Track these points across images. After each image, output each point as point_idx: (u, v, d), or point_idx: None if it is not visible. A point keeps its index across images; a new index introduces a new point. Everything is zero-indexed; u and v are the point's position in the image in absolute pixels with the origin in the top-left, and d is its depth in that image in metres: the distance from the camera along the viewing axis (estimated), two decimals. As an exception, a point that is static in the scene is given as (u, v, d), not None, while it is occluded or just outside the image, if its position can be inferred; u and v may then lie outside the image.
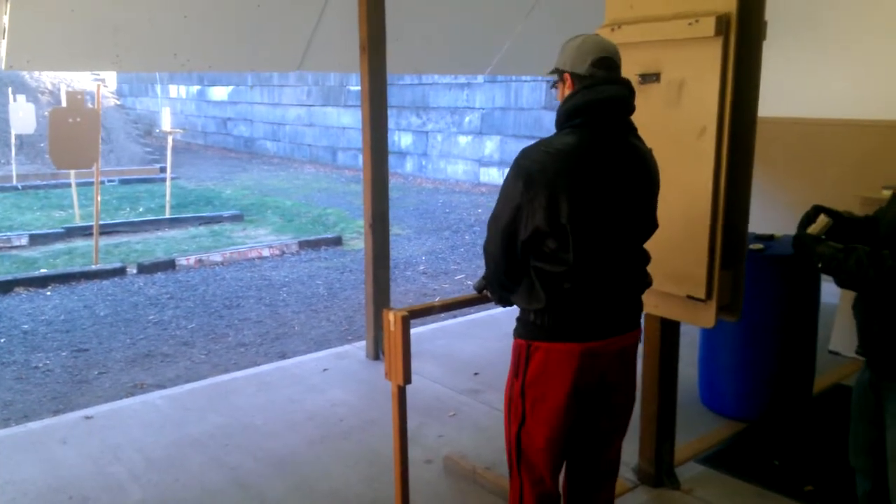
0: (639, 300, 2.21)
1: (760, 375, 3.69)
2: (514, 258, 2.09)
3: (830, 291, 3.73)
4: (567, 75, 2.10)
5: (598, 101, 2.03)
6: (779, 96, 4.31)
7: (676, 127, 2.58)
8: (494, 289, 2.22)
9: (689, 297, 2.62)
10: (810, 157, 4.94)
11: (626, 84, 2.10)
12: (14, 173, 13.29)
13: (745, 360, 3.70)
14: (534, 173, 1.98)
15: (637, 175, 2.09)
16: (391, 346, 2.53)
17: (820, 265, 2.06)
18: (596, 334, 2.08)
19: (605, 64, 2.07)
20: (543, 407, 2.11)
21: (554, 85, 2.18)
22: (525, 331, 2.13)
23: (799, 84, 4.78)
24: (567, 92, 2.10)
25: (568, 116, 2.06)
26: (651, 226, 2.19)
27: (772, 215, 3.97)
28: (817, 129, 4.89)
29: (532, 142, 2.09)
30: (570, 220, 1.96)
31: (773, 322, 3.65)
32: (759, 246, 3.67)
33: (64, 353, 5.28)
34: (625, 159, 2.06)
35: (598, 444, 2.26)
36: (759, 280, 3.48)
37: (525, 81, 12.53)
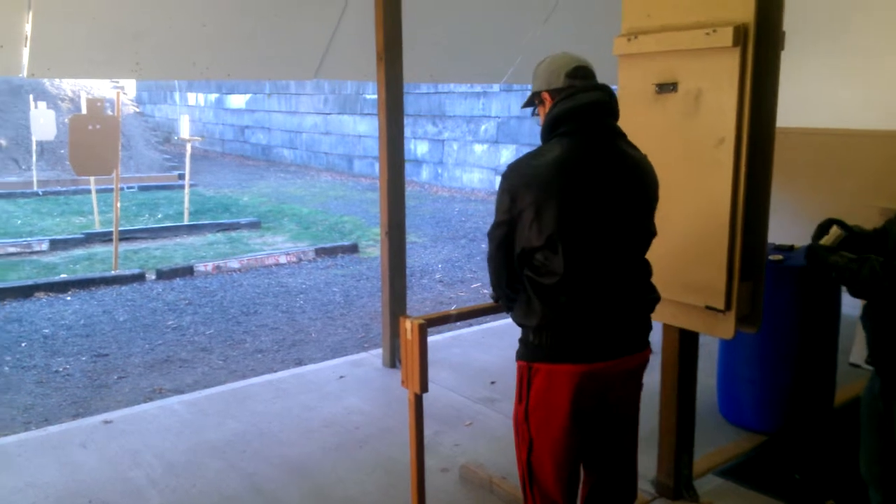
0: (646, 318, 2.15)
1: (780, 387, 3.66)
2: (512, 270, 2.10)
3: (851, 303, 3.68)
4: (545, 94, 2.13)
5: (578, 107, 2.03)
6: (798, 106, 4.28)
7: (694, 137, 2.58)
8: (501, 298, 2.22)
9: (708, 307, 2.61)
10: (830, 168, 4.90)
11: (605, 88, 2.09)
12: (35, 179, 13.47)
13: (764, 372, 3.67)
14: (520, 188, 1.99)
15: (628, 181, 2.05)
16: (408, 354, 2.53)
17: (834, 275, 2.05)
18: (599, 355, 2.03)
19: (580, 73, 2.09)
20: (548, 431, 2.08)
21: (535, 112, 2.19)
22: (526, 352, 2.10)
23: (818, 94, 4.75)
24: (547, 109, 2.12)
25: (551, 127, 2.07)
26: (647, 234, 2.13)
27: (791, 226, 3.94)
28: (836, 140, 4.85)
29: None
30: (559, 230, 1.95)
31: (793, 333, 3.62)
32: (779, 257, 3.64)
33: (84, 358, 5.34)
34: (613, 166, 2.03)
35: (609, 464, 2.22)
36: (779, 291, 3.46)
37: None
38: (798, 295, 3.62)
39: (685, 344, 2.97)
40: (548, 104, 2.12)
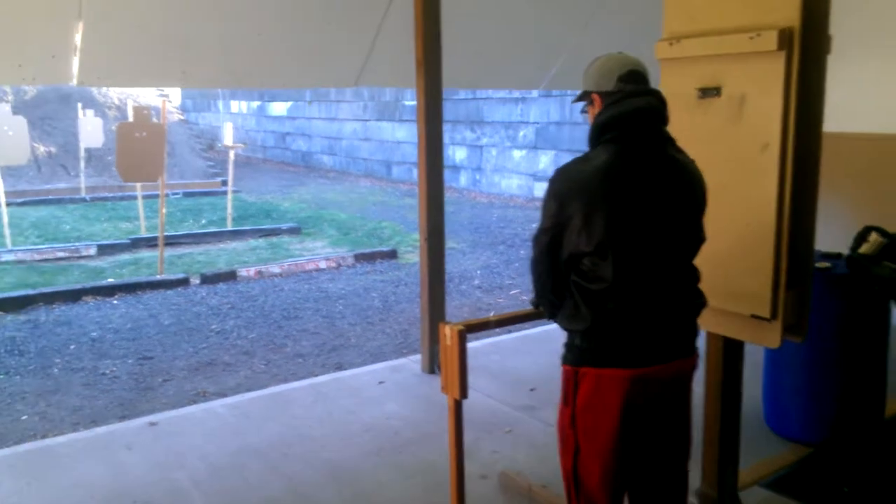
0: (693, 323, 2.13)
1: (828, 397, 3.57)
2: (559, 275, 2.08)
3: (901, 311, 3.59)
4: (595, 95, 2.10)
5: (628, 113, 2.01)
6: (845, 111, 4.18)
7: (738, 142, 2.54)
8: (544, 305, 2.19)
9: (754, 315, 2.56)
10: (879, 174, 4.78)
11: (657, 94, 2.07)
12: (83, 185, 13.83)
13: (811, 382, 3.60)
14: (568, 193, 1.98)
15: (677, 187, 2.04)
16: (448, 360, 2.54)
17: (877, 287, 1.99)
18: (647, 359, 2.01)
19: (633, 77, 2.06)
20: (596, 437, 2.05)
21: (584, 110, 2.17)
22: (572, 356, 2.09)
23: (866, 98, 4.64)
24: (597, 111, 2.09)
25: (599, 132, 2.05)
26: (697, 239, 2.12)
27: (840, 233, 3.86)
28: (886, 145, 4.73)
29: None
30: (609, 237, 1.94)
31: (841, 342, 3.54)
32: (826, 264, 3.56)
33: (130, 361, 5.46)
34: (663, 171, 2.02)
35: (659, 474, 2.19)
36: (826, 299, 3.38)
37: (581, 95, 12.44)
38: (845, 303, 3.53)
39: (729, 353, 2.92)
40: (597, 106, 2.10)
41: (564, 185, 2.00)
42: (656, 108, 2.05)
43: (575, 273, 2.04)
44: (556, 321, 2.19)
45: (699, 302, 2.14)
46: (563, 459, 2.17)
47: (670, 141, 2.09)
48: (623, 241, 1.96)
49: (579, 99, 2.18)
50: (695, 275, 2.14)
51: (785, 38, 2.35)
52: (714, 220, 2.20)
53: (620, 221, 1.95)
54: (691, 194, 2.08)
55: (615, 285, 1.97)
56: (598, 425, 2.04)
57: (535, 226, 2.15)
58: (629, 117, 2.01)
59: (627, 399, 2.01)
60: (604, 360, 2.02)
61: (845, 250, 3.77)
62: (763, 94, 2.45)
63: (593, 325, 2.00)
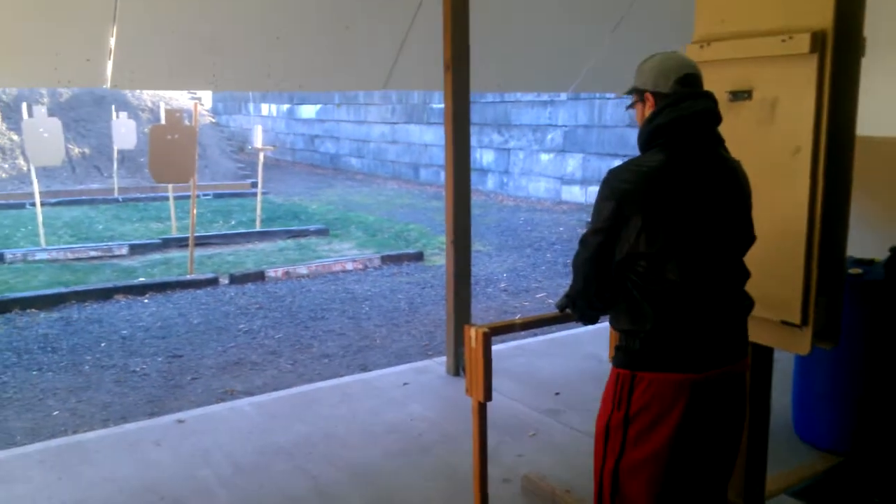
0: (745, 325, 2.12)
1: (859, 406, 3.51)
2: (607, 278, 2.05)
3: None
4: (649, 94, 2.07)
5: (685, 117, 2.00)
6: (880, 114, 4.11)
7: (769, 146, 2.50)
8: (580, 306, 2.15)
9: (784, 322, 2.52)
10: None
11: (711, 97, 2.06)
12: (116, 186, 14.07)
13: (842, 390, 3.53)
14: (626, 194, 1.96)
15: (730, 188, 2.05)
16: (472, 363, 2.54)
17: None
18: (706, 364, 1.99)
19: (689, 81, 2.05)
20: (649, 442, 2.01)
21: (632, 105, 2.15)
22: (628, 360, 2.04)
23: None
24: (648, 111, 2.07)
25: (654, 135, 2.03)
26: (749, 238, 2.13)
27: (873, 239, 3.78)
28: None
29: (616, 160, 2.08)
30: (672, 239, 1.93)
31: (873, 350, 3.47)
32: (858, 271, 3.50)
33: (159, 359, 5.54)
34: (717, 173, 2.02)
35: (704, 485, 2.14)
36: (858, 306, 3.33)
37: (609, 99, 12.39)
38: (878, 310, 3.47)
39: (759, 359, 2.87)
40: (649, 105, 2.07)
41: (622, 186, 1.98)
42: (712, 110, 2.05)
43: (633, 274, 2.01)
44: (587, 321, 2.16)
45: (748, 303, 2.14)
46: (604, 461, 2.12)
47: (721, 142, 2.09)
48: (686, 243, 1.96)
49: (630, 93, 2.15)
50: (746, 275, 2.13)
51: (817, 41, 2.32)
52: (747, 222, 2.17)
53: (682, 223, 1.95)
54: (742, 194, 2.10)
55: (681, 285, 1.95)
56: (654, 430, 2.01)
57: (574, 225, 2.13)
58: (688, 121, 2.00)
59: (687, 405, 1.98)
60: (664, 364, 1.99)
61: (879, 256, 3.70)
62: (795, 97, 2.42)
63: (656, 325, 1.97)
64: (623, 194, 1.96)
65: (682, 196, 1.96)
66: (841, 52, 2.36)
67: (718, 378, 2.02)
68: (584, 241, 2.08)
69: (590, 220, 2.08)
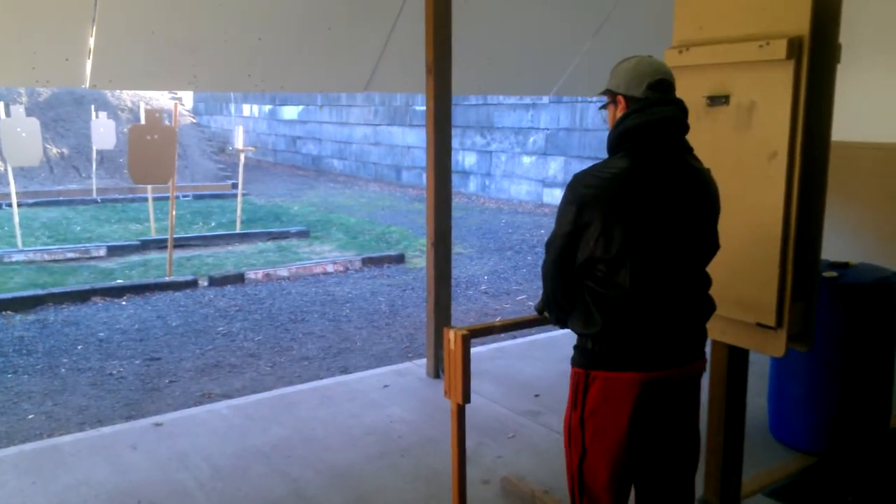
0: (703, 328, 2.15)
1: (832, 407, 3.55)
2: (570, 281, 2.08)
3: (909, 322, 3.57)
4: (621, 97, 2.08)
5: (652, 122, 2.00)
6: (855, 120, 4.17)
7: (746, 150, 2.54)
8: (552, 309, 2.19)
9: (759, 324, 2.55)
10: (888, 183, 4.75)
11: (679, 104, 2.07)
12: (94, 187, 13.93)
13: (816, 392, 3.58)
14: (587, 199, 1.97)
15: (696, 196, 2.06)
16: (451, 365, 2.54)
17: None
18: (658, 363, 2.03)
19: (662, 87, 2.05)
20: (604, 439, 2.06)
21: (604, 106, 2.16)
22: (583, 359, 2.09)
23: (876, 108, 4.62)
24: (619, 114, 2.07)
25: (622, 139, 2.03)
26: (712, 247, 2.15)
27: (847, 243, 3.84)
28: (895, 154, 4.71)
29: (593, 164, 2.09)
30: (626, 245, 1.95)
31: (846, 352, 3.52)
32: (833, 274, 3.55)
33: (137, 362, 5.48)
34: (682, 180, 2.03)
35: (666, 480, 2.19)
36: (833, 308, 3.37)
37: (590, 102, 12.46)
38: (852, 313, 3.52)
39: (734, 361, 2.91)
40: (621, 108, 2.08)
41: (584, 191, 1.99)
42: (679, 118, 2.05)
43: (589, 278, 2.04)
44: (567, 326, 2.19)
45: (710, 307, 2.16)
46: (570, 460, 2.17)
47: (689, 150, 2.10)
48: (641, 250, 1.97)
49: (604, 94, 2.16)
50: (707, 282, 2.16)
51: (794, 47, 2.35)
52: (721, 227, 2.20)
53: (639, 230, 1.96)
54: (708, 203, 2.10)
55: (631, 292, 1.98)
56: (607, 428, 2.05)
57: (543, 231, 2.15)
58: (653, 127, 2.01)
59: (637, 402, 2.02)
60: (615, 363, 2.03)
61: (852, 259, 3.76)
62: (771, 102, 2.45)
63: (604, 329, 2.01)
64: (584, 199, 1.98)
65: (642, 202, 1.96)
66: (817, 59, 2.39)
67: (670, 378, 2.05)
68: (548, 245, 2.11)
69: (554, 224, 2.10)
